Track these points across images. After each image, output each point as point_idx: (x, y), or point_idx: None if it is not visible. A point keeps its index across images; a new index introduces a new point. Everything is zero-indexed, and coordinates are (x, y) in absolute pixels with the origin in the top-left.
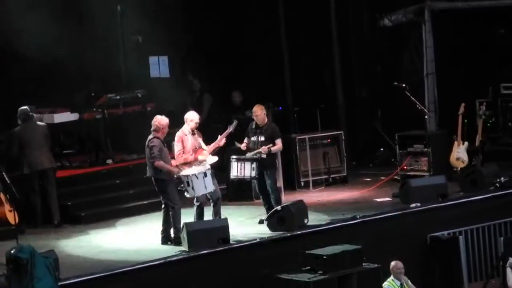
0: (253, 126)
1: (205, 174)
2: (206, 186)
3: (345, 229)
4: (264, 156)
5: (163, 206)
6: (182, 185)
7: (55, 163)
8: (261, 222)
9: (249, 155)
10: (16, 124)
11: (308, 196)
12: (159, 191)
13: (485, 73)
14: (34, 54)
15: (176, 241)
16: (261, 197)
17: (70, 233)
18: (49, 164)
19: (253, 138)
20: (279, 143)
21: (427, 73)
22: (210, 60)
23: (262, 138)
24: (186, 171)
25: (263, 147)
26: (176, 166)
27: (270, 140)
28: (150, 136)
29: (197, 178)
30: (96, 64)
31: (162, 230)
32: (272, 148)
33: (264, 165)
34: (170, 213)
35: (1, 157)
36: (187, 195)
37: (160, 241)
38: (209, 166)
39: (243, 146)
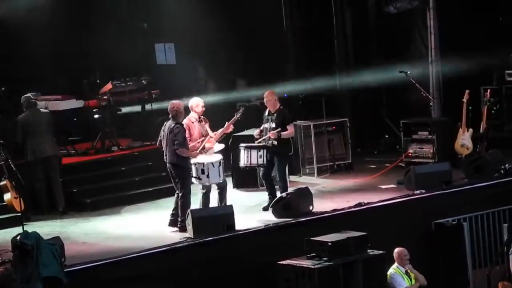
0: (266, 113)
1: (219, 163)
2: (220, 174)
3: (350, 216)
4: (275, 142)
5: (177, 192)
6: (191, 172)
7: (58, 150)
8: (264, 209)
9: (257, 141)
10: (21, 111)
11: (313, 183)
12: (177, 177)
13: (490, 60)
14: (40, 41)
15: (182, 228)
16: (264, 184)
17: (76, 220)
18: (52, 152)
19: (265, 125)
20: (290, 128)
21: (431, 60)
22: (215, 47)
23: (273, 125)
24: (202, 159)
25: (271, 132)
26: (195, 151)
27: (281, 126)
28: (171, 123)
29: (214, 166)
30: (101, 51)
31: (172, 214)
32: (282, 133)
33: (276, 152)
34: (181, 200)
35: (7, 144)
36: (197, 182)
37: (167, 223)
38: (221, 156)
39: (256, 133)
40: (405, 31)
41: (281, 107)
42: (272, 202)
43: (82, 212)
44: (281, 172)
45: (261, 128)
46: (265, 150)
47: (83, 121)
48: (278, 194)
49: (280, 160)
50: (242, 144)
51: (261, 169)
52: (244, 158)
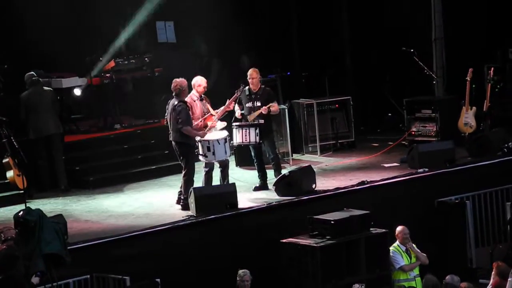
0: (247, 93)
1: (225, 140)
2: (226, 151)
3: (353, 194)
4: (262, 121)
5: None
6: (197, 150)
7: (61, 128)
8: (255, 189)
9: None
10: (25, 88)
11: (316, 161)
12: (181, 155)
13: (493, 38)
14: (43, 19)
15: (184, 206)
16: (256, 163)
17: (78, 198)
18: (55, 130)
19: (248, 105)
20: (275, 105)
21: (435, 38)
22: (219, 25)
23: (259, 103)
24: (208, 136)
25: (263, 107)
26: (202, 130)
27: (267, 104)
28: (175, 101)
29: (219, 143)
30: (104, 29)
31: (179, 192)
32: (271, 109)
33: (263, 131)
34: (184, 177)
35: (10, 122)
36: (203, 159)
37: (175, 201)
38: (227, 132)
39: (237, 114)
40: (409, 9)
41: (263, 86)
42: (276, 180)
43: (84, 190)
44: (274, 148)
45: (238, 108)
46: (258, 128)
47: (85, 99)
48: (269, 172)
49: (270, 138)
50: (235, 123)
51: (254, 148)
52: (242, 136)
